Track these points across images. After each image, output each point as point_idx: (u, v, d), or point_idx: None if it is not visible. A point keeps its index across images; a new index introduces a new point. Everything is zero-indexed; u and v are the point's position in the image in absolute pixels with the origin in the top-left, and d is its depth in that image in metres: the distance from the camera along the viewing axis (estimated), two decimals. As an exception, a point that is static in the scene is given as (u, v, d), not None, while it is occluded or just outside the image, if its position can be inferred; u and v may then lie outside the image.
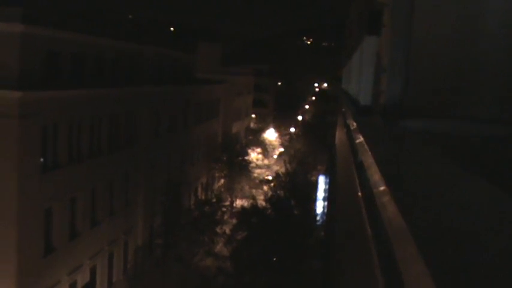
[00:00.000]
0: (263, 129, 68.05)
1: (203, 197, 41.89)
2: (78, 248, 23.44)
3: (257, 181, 46.77)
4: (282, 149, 66.28)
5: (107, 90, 25.64)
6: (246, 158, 48.95)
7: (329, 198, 27.33)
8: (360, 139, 6.04)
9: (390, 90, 6.99)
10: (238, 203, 45.07)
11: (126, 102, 27.97)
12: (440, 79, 6.62)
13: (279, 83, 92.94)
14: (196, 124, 40.78)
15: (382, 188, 3.25)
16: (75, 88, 22.76)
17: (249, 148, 54.14)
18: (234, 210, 42.30)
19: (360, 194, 4.98)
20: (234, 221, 33.68)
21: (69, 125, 22.34)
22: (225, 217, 35.57)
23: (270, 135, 68.20)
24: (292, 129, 75.88)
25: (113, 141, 26.65)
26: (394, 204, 2.48)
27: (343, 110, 21.48)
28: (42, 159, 20.60)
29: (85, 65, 24.44)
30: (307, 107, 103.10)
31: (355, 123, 7.87)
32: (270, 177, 45.31)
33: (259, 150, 57.22)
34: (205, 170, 43.82)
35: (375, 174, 3.66)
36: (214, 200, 36.26)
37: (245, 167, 47.13)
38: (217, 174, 47.03)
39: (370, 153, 4.41)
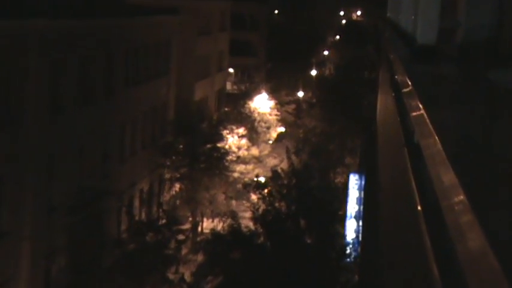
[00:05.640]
0: (249, 95, 68.10)
1: (143, 217, 41.84)
2: None
3: (239, 186, 46.80)
4: (282, 129, 66.27)
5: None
6: (220, 145, 48.96)
7: (366, 215, 27.45)
8: (419, 109, 5.99)
9: (472, 21, 6.91)
10: (207, 225, 45.05)
11: None
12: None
13: (276, 12, 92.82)
14: (129, 87, 40.61)
15: (457, 199, 3.16)
16: None
17: (225, 128, 54.12)
18: (199, 238, 42.24)
19: (419, 208, 4.97)
20: (200, 257, 33.57)
21: None
22: (184, 251, 35.57)
23: (262, 104, 68.25)
24: (301, 94, 75.95)
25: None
26: (480, 230, 2.38)
27: (390, 56, 21.49)
28: None
29: None
30: (326, 53, 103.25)
31: (409, 80, 7.82)
32: (262, 179, 45.34)
33: (242, 131, 57.20)
34: (147, 168, 43.84)
35: (444, 174, 3.58)
36: (163, 222, 36.28)
37: (218, 161, 47.14)
38: (168, 176, 47.09)
39: (436, 135, 4.35)
